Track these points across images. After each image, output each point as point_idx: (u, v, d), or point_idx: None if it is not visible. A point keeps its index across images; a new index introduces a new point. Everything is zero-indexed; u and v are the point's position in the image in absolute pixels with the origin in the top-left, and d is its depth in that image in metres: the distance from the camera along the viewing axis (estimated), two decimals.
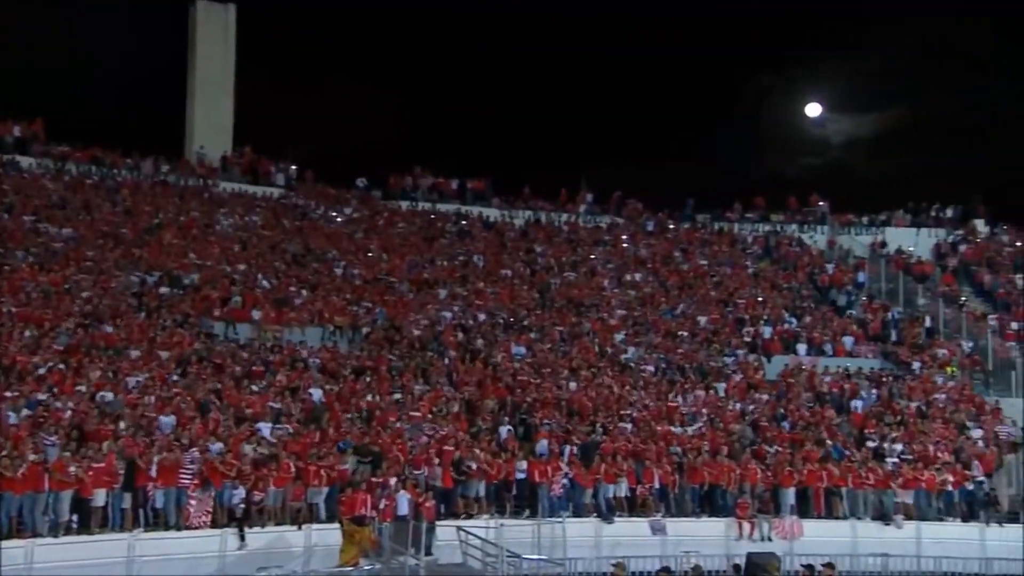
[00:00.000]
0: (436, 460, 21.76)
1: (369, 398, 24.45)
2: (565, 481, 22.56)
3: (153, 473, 18.85)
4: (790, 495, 23.80)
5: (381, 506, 19.79)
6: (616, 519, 22.50)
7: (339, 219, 38.95)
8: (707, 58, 56.06)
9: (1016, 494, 26.01)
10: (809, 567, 15.58)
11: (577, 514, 22.30)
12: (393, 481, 20.38)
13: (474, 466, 21.94)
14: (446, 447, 22.28)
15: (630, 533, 22.09)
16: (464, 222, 40.60)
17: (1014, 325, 34.86)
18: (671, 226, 43.46)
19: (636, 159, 53.67)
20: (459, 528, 20.56)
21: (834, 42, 55.81)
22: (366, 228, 38.36)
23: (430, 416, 23.99)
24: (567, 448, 23.76)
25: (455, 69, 58.86)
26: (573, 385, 27.29)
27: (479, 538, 20.09)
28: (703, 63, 56.69)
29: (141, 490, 18.85)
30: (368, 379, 25.59)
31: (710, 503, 23.56)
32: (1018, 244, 42.16)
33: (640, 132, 55.81)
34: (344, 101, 52.19)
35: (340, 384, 25.03)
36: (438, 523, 20.32)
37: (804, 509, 23.86)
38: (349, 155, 48.33)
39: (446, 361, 27.65)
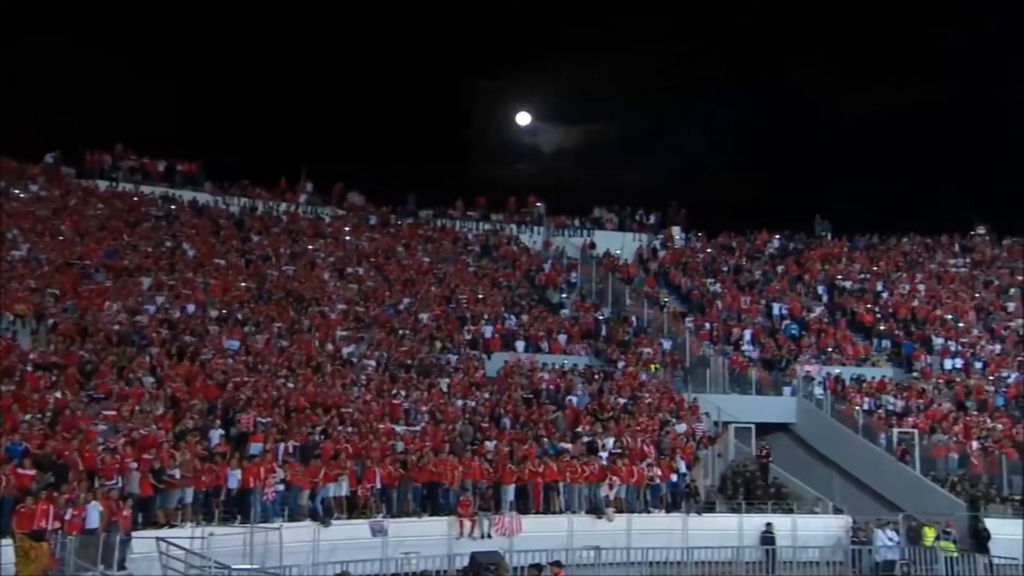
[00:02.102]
0: (134, 466, 19.58)
1: (58, 395, 21.66)
2: (280, 485, 21.18)
3: None
4: (510, 491, 23.88)
5: (67, 517, 17.46)
6: (334, 522, 21.43)
7: (23, 196, 34.70)
8: (429, 61, 56.45)
9: (712, 485, 27.90)
10: (537, 566, 15.41)
11: (292, 518, 21.03)
12: (81, 492, 18.05)
13: (178, 473, 19.99)
14: (145, 453, 20.11)
15: (349, 536, 21.17)
16: (172, 206, 37.65)
17: (707, 325, 37.68)
18: (394, 221, 42.91)
19: (358, 154, 52.83)
20: (159, 539, 18.61)
21: (546, 57, 58.49)
22: (56, 208, 34.41)
23: (127, 417, 21.61)
24: (281, 449, 22.38)
25: (164, 38, 54.89)
26: (291, 383, 25.87)
27: (183, 549, 18.34)
28: (426, 66, 57.09)
29: None
30: (54, 376, 22.69)
31: (432, 502, 23.10)
32: (708, 250, 46.00)
33: (362, 128, 55.05)
34: (35, 68, 46.87)
35: (17, 381, 21.97)
36: (134, 534, 18.41)
37: (523, 505, 24.02)
38: (37, 128, 43.38)
39: (148, 357, 25.23)
